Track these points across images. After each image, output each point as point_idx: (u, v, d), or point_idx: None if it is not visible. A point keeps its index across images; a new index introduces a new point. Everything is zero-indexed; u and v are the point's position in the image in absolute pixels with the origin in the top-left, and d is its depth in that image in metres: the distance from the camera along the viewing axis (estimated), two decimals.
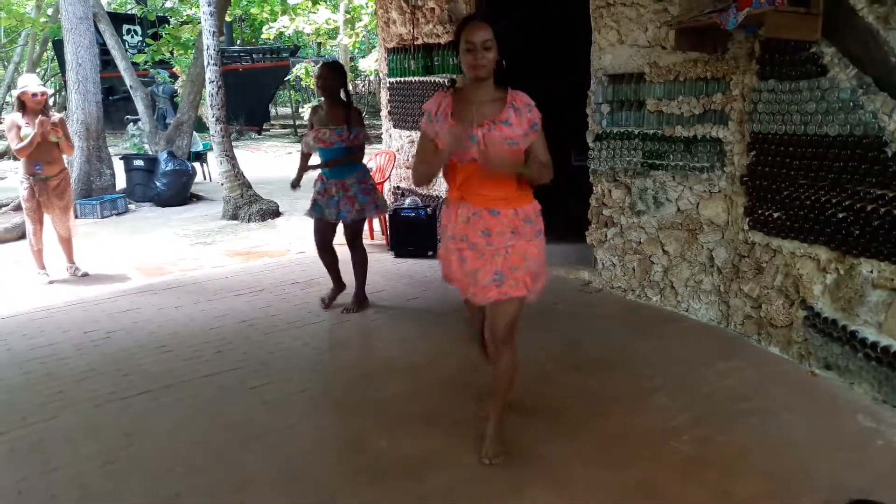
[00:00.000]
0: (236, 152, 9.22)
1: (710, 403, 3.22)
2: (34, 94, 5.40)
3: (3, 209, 8.83)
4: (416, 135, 6.64)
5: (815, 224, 3.45)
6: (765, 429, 2.99)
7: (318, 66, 5.53)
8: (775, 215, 3.69)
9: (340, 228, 4.69)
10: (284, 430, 3.09)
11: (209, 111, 8.51)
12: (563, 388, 3.43)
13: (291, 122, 22.27)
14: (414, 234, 6.04)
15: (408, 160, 6.84)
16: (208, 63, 8.23)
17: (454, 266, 2.73)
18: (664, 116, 4.35)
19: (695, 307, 4.33)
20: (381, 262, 5.89)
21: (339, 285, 4.82)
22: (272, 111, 25.16)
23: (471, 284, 2.68)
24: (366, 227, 6.49)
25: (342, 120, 4.43)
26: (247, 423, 3.18)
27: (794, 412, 3.13)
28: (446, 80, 5.99)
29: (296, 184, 4.67)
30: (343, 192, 4.50)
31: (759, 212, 3.80)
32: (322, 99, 4.59)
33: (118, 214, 9.10)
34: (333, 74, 4.52)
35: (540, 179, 2.63)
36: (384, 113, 7.22)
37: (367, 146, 4.75)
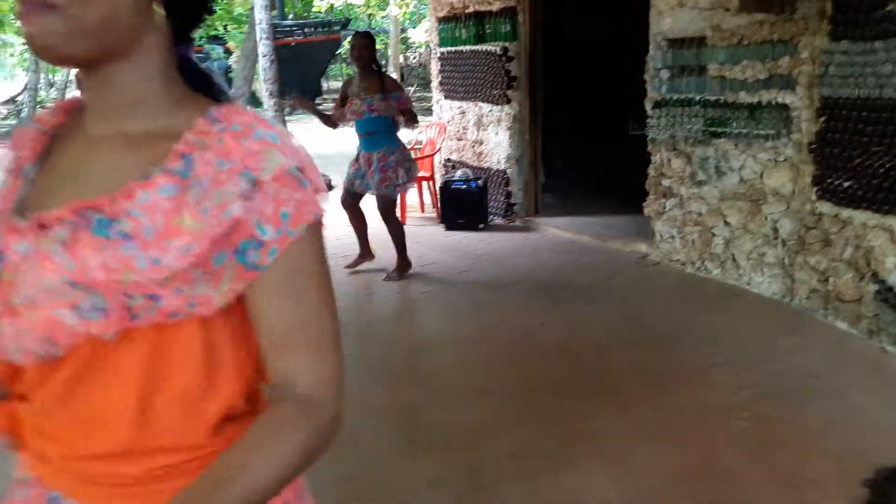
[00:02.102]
0: (289, 126, 9.29)
1: (774, 380, 3.10)
2: None
3: None
4: (466, 105, 6.56)
5: (890, 193, 3.25)
6: (832, 407, 2.86)
7: (352, 36, 5.49)
8: (846, 185, 3.50)
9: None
10: None
11: (262, 86, 8.58)
12: (620, 363, 3.35)
13: None
14: (465, 206, 5.98)
15: (458, 132, 6.77)
16: (261, 37, 8.27)
17: None
18: (727, 82, 4.16)
19: (757, 281, 4.17)
20: (432, 235, 5.86)
21: (364, 252, 4.85)
22: (324, 85, 25.31)
23: None
24: (416, 199, 6.49)
25: (376, 90, 4.40)
26: None
27: (864, 390, 2.99)
28: (499, 49, 5.87)
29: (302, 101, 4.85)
30: (367, 167, 4.51)
31: (829, 181, 3.60)
32: (355, 70, 4.59)
33: None
34: (367, 43, 4.51)
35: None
36: (435, 84, 7.14)
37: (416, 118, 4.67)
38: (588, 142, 7.38)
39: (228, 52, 17.08)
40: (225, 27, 17.02)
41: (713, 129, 4.29)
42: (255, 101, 13.91)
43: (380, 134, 4.46)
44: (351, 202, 4.72)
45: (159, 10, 0.74)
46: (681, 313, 3.95)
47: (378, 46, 4.55)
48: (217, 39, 17.47)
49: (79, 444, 0.75)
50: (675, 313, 3.96)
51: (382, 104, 4.38)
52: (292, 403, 0.74)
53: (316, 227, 0.76)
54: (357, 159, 4.62)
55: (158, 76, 0.77)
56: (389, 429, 2.88)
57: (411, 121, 4.50)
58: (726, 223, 4.33)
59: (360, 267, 4.87)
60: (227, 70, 15.83)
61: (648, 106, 4.70)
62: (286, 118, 9.55)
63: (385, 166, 4.48)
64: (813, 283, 3.79)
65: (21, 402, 0.78)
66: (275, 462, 0.71)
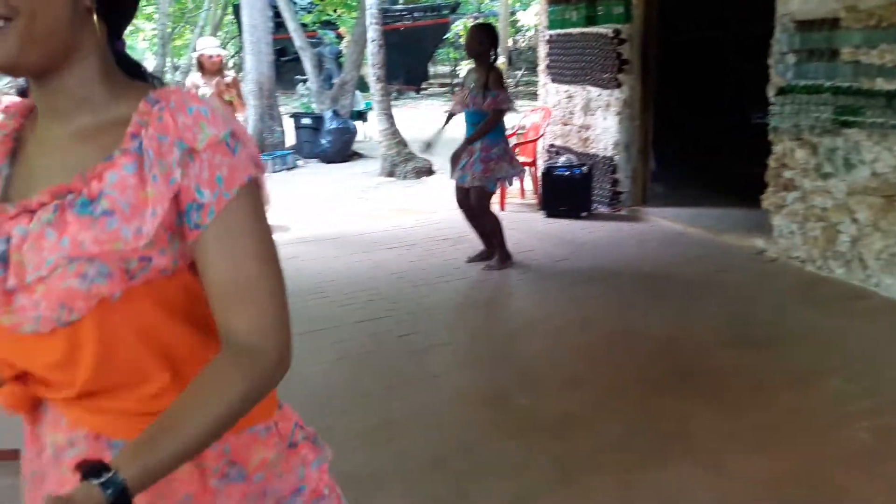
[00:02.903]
0: (395, 111, 9.43)
1: None
2: (210, 56, 5.78)
3: None
4: (574, 89, 6.40)
5: None
6: None
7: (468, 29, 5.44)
8: None
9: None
10: (429, 380, 3.13)
11: (370, 70, 8.73)
12: (723, 364, 3.18)
13: (449, 81, 22.46)
14: (567, 193, 5.83)
15: (563, 116, 6.62)
16: (370, 22, 8.40)
17: None
18: (861, 67, 3.83)
19: (887, 283, 3.83)
20: (531, 222, 5.77)
21: (485, 247, 4.74)
22: (431, 70, 25.48)
23: None
24: (517, 185, 6.40)
25: (481, 84, 4.36)
26: (393, 369, 3.25)
27: None
28: (610, 32, 5.68)
29: (427, 145, 4.69)
30: (468, 157, 4.45)
31: None
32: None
33: (287, 170, 9.64)
34: (476, 34, 4.48)
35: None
36: (541, 67, 7.01)
37: (513, 106, 4.56)
38: (703, 130, 7.03)
39: (340, 38, 17.51)
40: (336, 11, 17.43)
41: (844, 118, 3.97)
42: (363, 85, 14.21)
43: (483, 127, 4.38)
44: (458, 197, 4.66)
45: (95, 18, 0.83)
46: (796, 314, 3.70)
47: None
48: (329, 24, 17.94)
49: (120, 394, 0.85)
50: (789, 314, 3.71)
51: (480, 100, 4.35)
52: (231, 354, 0.81)
53: (250, 188, 0.83)
54: (461, 151, 4.54)
55: (100, 74, 0.86)
56: (479, 412, 2.88)
57: (494, 121, 4.38)
58: (854, 220, 4.00)
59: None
60: (338, 55, 16.22)
61: (771, 92, 4.42)
62: (392, 103, 9.69)
63: (487, 157, 4.41)
64: None
65: (47, 378, 0.86)
66: (214, 409, 0.78)
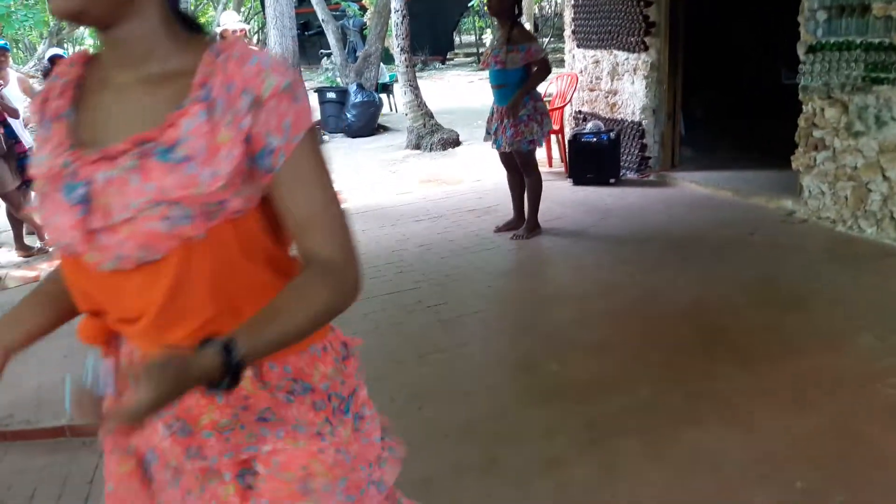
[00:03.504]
0: (420, 82, 9.39)
1: None
2: (233, 31, 5.83)
3: None
4: (601, 54, 6.31)
5: None
6: None
7: None
8: None
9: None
10: (458, 348, 3.19)
11: (394, 42, 8.70)
12: (753, 324, 3.18)
13: (475, 50, 22.22)
14: (595, 160, 5.80)
15: (590, 82, 6.55)
16: None
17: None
18: (893, 22, 3.73)
19: None
20: (559, 190, 5.76)
21: (516, 216, 4.75)
22: (456, 39, 25.20)
23: None
24: (544, 153, 6.38)
25: (504, 41, 4.28)
26: (424, 339, 3.31)
27: None
28: None
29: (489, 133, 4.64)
30: (499, 122, 4.41)
31: None
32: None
33: None
34: None
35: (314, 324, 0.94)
36: (567, 33, 6.92)
37: (546, 54, 4.46)
38: (734, 92, 6.90)
39: (363, 9, 17.41)
40: None
41: (875, 74, 3.87)
42: (387, 57, 14.16)
43: (510, 87, 4.31)
44: (503, 162, 4.65)
45: None
46: (826, 274, 3.67)
47: None
48: None
49: (190, 325, 0.92)
50: (819, 274, 3.68)
51: (508, 56, 4.25)
52: (317, 270, 0.92)
53: (311, 132, 0.93)
54: (491, 115, 4.52)
55: (163, 26, 0.92)
56: (508, 379, 2.94)
57: (541, 72, 4.31)
58: (885, 178, 3.93)
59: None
60: (362, 27, 16.14)
61: (801, 50, 4.31)
62: (417, 74, 9.65)
63: (517, 121, 4.34)
64: None
65: (124, 312, 0.94)
66: (304, 309, 0.90)
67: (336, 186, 0.95)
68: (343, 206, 0.96)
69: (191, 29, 0.97)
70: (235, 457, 0.97)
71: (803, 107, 4.38)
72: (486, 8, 4.59)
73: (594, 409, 2.60)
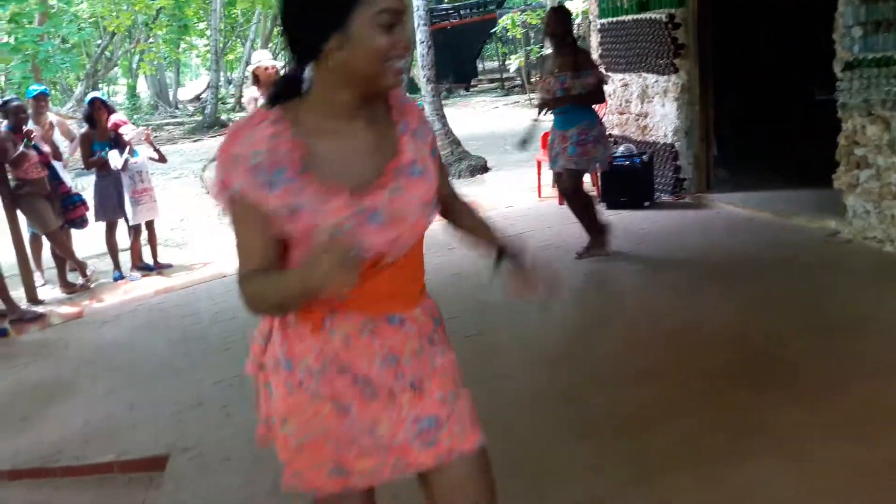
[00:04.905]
0: (446, 110, 9.45)
1: None
2: (266, 68, 5.91)
3: None
4: (630, 77, 6.28)
5: None
6: None
7: (546, 13, 5.40)
8: None
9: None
10: (497, 380, 3.13)
11: (420, 72, 8.77)
12: (800, 353, 3.06)
13: (498, 76, 22.34)
14: (627, 184, 5.74)
15: (620, 105, 6.51)
16: (418, 24, 8.45)
17: (329, 426, 1.36)
18: None
19: None
20: None
21: (594, 239, 4.60)
22: (480, 66, 25.36)
23: (366, 454, 1.38)
24: None
25: (569, 66, 4.27)
26: (462, 371, 3.25)
27: None
28: (664, 17, 5.55)
29: (523, 141, 4.64)
30: (562, 144, 4.38)
31: None
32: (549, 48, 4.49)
33: None
34: (558, 17, 4.40)
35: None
36: (594, 57, 6.91)
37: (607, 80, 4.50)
38: (767, 111, 6.79)
39: None
40: None
41: None
42: (412, 87, 14.28)
43: (574, 110, 4.32)
44: (561, 186, 4.62)
45: None
46: (874, 298, 3.54)
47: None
48: None
49: (387, 291, 1.35)
50: (867, 298, 3.56)
51: (576, 82, 4.26)
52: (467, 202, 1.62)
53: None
54: (553, 140, 4.48)
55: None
56: (549, 412, 2.86)
57: (594, 98, 4.34)
58: None
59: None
60: None
61: (838, 68, 4.24)
62: (443, 102, 9.71)
63: (584, 140, 4.32)
64: None
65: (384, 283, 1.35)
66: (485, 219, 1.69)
67: None
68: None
69: None
70: (424, 371, 1.40)
71: (843, 124, 4.29)
72: (545, 34, 4.58)
73: (639, 444, 2.51)
